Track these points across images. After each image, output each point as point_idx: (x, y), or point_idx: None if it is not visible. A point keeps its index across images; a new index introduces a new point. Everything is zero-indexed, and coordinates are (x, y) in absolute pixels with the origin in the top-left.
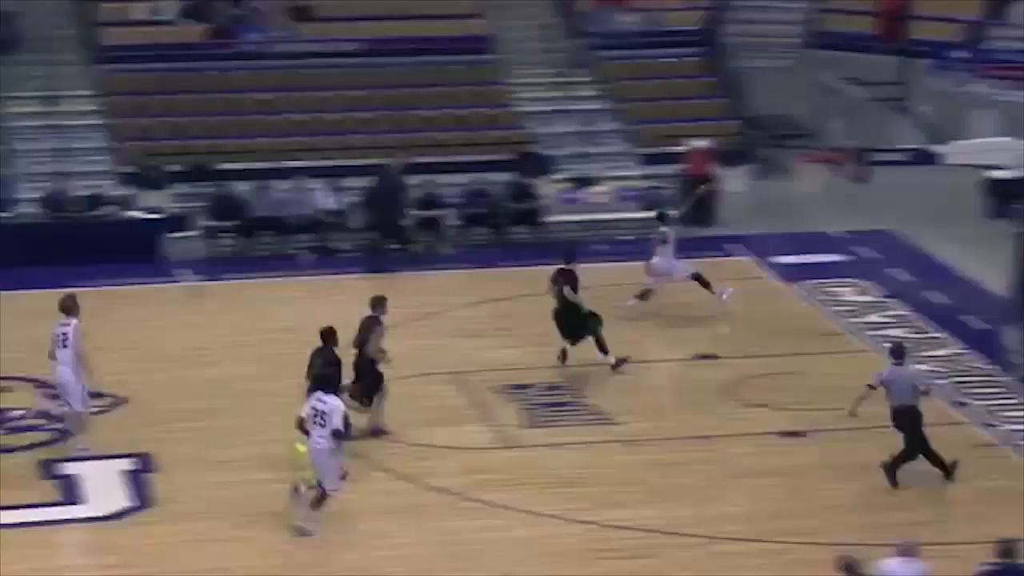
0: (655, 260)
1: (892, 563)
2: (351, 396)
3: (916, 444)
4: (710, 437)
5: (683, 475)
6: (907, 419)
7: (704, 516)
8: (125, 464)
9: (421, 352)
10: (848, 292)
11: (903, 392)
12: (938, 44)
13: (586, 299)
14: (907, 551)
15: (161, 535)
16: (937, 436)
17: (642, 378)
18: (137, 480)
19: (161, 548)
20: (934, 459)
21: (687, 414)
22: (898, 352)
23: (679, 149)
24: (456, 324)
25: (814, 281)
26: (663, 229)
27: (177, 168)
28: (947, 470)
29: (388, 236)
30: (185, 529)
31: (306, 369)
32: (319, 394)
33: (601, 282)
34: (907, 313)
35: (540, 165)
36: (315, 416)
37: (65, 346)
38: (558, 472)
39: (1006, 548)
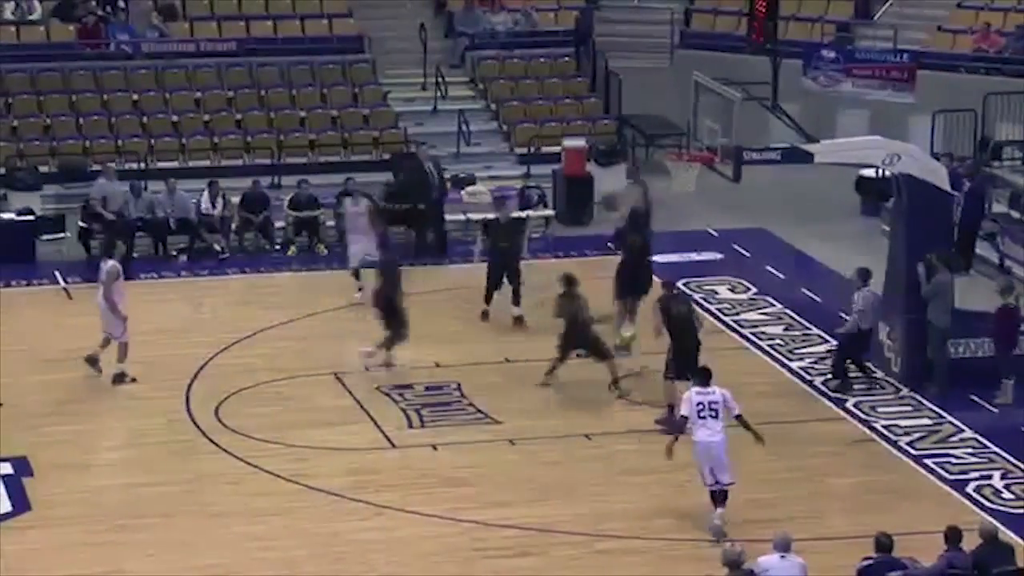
0: None
1: (771, 558)
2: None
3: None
4: (593, 435)
5: (566, 473)
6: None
7: (588, 514)
8: (1, 468)
9: (301, 352)
10: (724, 290)
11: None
12: (808, 44)
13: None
14: (783, 545)
15: (39, 540)
16: (815, 431)
17: (523, 377)
18: (13, 484)
19: (39, 553)
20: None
21: (569, 412)
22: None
23: (555, 149)
24: (336, 324)
25: (691, 279)
26: None
27: (48, 169)
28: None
29: (420, 224)
30: (63, 533)
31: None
32: (697, 388)
33: (480, 282)
34: (782, 310)
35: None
36: (702, 410)
37: None
38: (441, 472)
39: (884, 542)
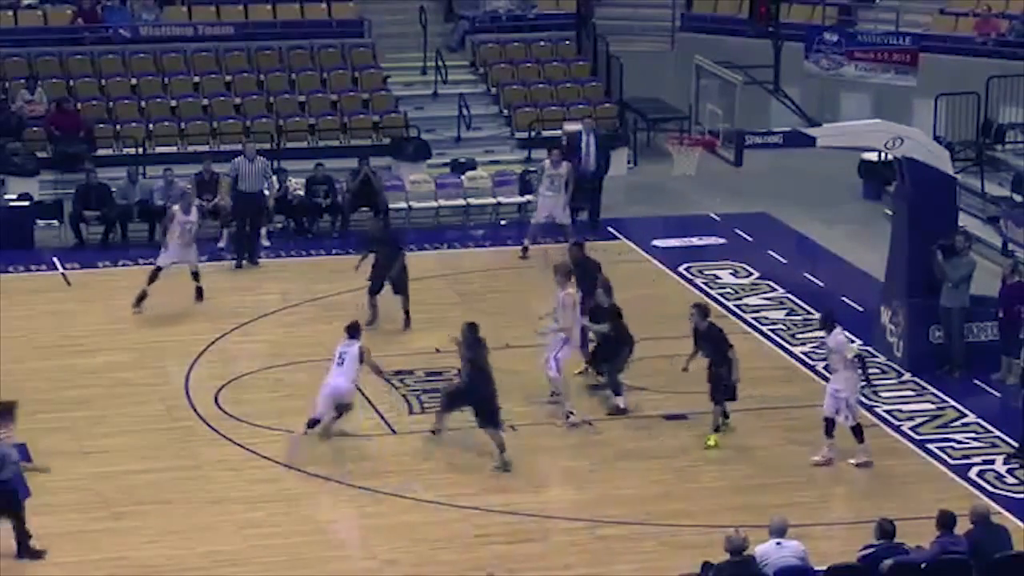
0: None
1: (767, 547)
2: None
3: None
4: (592, 421)
5: (566, 459)
6: None
7: (588, 500)
8: None
9: (301, 338)
10: (726, 274)
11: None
12: (810, 27)
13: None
14: (779, 531)
15: (38, 526)
16: (817, 416)
17: (519, 364)
18: None
19: (39, 540)
20: None
21: (571, 398)
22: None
23: (556, 133)
24: (336, 309)
25: (693, 264)
26: None
27: (46, 155)
28: None
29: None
30: (62, 520)
31: None
32: None
33: (480, 267)
34: (784, 295)
35: (417, 150)
36: None
37: None
38: (441, 458)
39: (887, 527)
